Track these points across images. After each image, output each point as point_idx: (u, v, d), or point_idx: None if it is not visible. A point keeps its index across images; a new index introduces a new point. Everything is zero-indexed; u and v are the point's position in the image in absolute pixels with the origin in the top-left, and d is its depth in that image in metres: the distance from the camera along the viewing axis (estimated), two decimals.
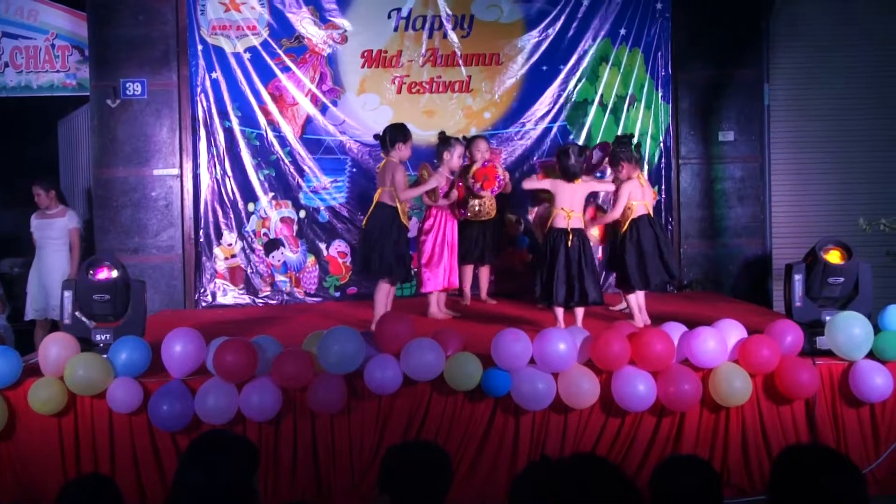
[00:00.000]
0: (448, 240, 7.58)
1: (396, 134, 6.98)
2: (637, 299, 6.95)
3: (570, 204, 6.51)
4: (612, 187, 6.99)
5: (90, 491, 3.01)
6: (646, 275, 6.87)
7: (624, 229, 6.92)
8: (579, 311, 6.53)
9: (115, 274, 5.60)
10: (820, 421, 5.49)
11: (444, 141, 7.63)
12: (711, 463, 4.94)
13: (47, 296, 8.21)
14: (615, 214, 6.92)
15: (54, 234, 8.40)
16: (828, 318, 5.66)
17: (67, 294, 5.50)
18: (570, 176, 6.59)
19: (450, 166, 7.54)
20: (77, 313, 5.53)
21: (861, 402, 5.50)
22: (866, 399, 5.45)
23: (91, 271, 5.58)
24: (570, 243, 6.41)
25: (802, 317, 5.72)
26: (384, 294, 6.88)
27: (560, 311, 6.52)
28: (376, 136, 7.19)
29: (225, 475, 2.79)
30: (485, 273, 8.16)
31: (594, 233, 7.02)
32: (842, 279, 5.72)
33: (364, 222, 7.08)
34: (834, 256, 5.76)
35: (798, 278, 5.78)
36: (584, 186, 6.69)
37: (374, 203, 6.99)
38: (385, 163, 6.98)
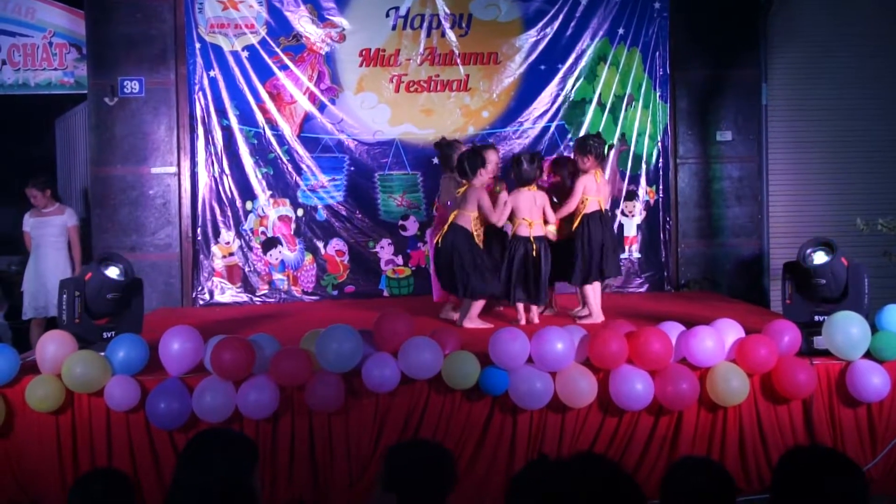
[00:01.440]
0: None
1: (476, 161, 6.87)
2: (593, 293, 7.12)
3: (529, 214, 6.84)
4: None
5: (104, 484, 3.01)
6: (588, 270, 7.07)
7: (576, 224, 7.09)
8: (535, 309, 6.99)
9: (126, 272, 5.66)
10: (817, 420, 5.49)
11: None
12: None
13: (47, 294, 8.19)
14: (570, 207, 7.09)
15: (53, 231, 8.38)
16: (818, 318, 5.67)
17: (77, 294, 5.48)
18: (523, 182, 6.86)
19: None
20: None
21: (858, 402, 5.50)
22: (863, 399, 5.45)
23: (105, 269, 5.60)
24: (534, 252, 6.77)
25: (793, 316, 5.74)
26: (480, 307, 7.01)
27: (521, 307, 6.94)
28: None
29: (224, 473, 2.78)
30: None
31: (551, 229, 7.08)
32: (824, 280, 5.73)
33: (439, 241, 6.99)
34: (819, 256, 5.76)
35: (788, 277, 5.83)
36: (541, 197, 6.93)
37: (449, 223, 6.93)
38: (467, 188, 6.89)
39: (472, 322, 6.91)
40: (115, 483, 3.03)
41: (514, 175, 6.93)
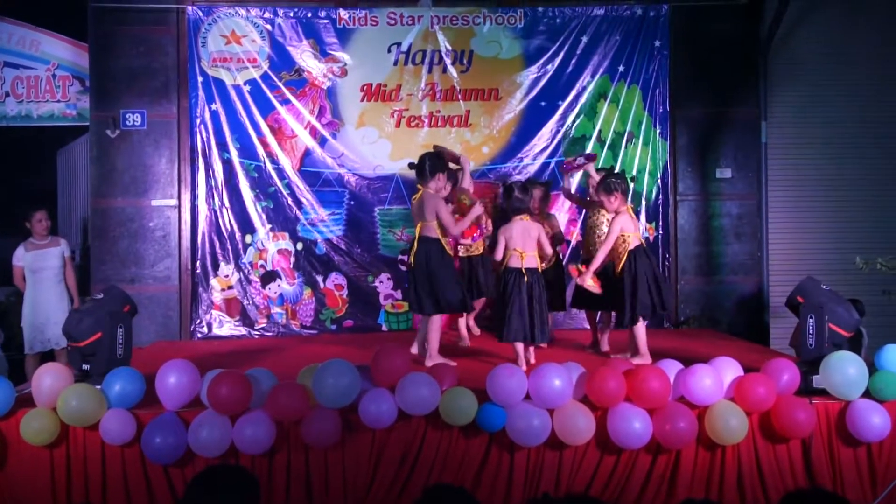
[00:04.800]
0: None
1: (437, 163, 6.71)
2: (642, 333, 6.81)
3: (522, 245, 6.53)
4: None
5: None
6: (641, 304, 6.72)
7: (622, 263, 6.75)
8: (531, 349, 6.64)
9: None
10: (816, 460, 5.45)
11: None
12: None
13: (55, 327, 8.13)
14: (607, 248, 6.74)
15: (55, 263, 8.30)
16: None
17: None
18: (516, 211, 6.60)
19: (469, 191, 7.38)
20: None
21: (858, 442, 5.47)
22: (863, 439, 5.42)
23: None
24: (527, 281, 6.48)
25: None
26: (438, 326, 6.75)
27: (521, 347, 6.55)
28: (411, 165, 6.92)
29: None
30: (478, 303, 8.02)
31: (589, 283, 6.85)
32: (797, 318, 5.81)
33: (410, 259, 6.76)
34: None
35: None
36: (534, 227, 6.64)
37: (416, 237, 6.69)
38: (422, 194, 6.69)
39: (434, 359, 6.60)
40: None
41: (505, 205, 6.74)
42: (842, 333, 5.66)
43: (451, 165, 7.35)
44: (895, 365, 5.57)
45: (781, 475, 5.43)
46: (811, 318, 5.65)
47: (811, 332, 5.66)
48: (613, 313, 7.21)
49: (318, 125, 8.95)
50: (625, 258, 6.75)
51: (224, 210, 8.86)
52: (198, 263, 8.85)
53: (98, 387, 5.26)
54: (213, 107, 8.86)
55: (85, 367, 5.48)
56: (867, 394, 5.49)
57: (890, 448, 5.50)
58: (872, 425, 5.37)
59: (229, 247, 8.87)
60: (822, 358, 5.53)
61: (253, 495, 2.91)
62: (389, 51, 9.01)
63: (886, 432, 5.41)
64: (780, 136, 9.41)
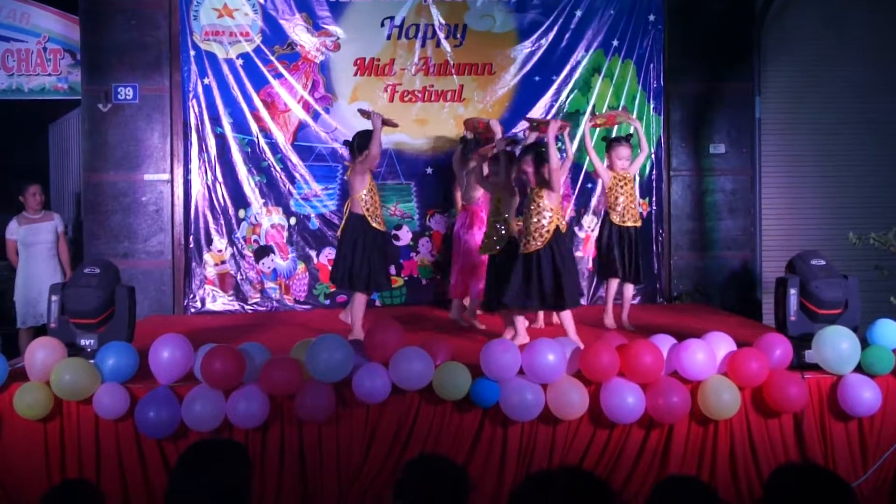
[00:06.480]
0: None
1: (365, 141, 6.72)
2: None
3: (514, 211, 6.59)
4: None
5: (74, 496, 2.99)
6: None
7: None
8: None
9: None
10: (808, 435, 5.48)
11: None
12: (700, 477, 4.96)
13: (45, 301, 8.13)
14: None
15: (49, 237, 8.35)
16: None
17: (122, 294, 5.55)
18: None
19: None
20: None
21: (849, 417, 5.49)
22: (855, 413, 5.45)
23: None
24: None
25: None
26: (361, 305, 6.80)
27: (521, 320, 6.53)
28: (346, 142, 7.05)
29: (220, 481, 2.78)
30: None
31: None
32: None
33: (338, 232, 7.01)
34: None
35: None
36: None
37: (345, 213, 6.95)
38: (352, 169, 6.81)
39: (356, 334, 6.57)
40: (85, 496, 3.00)
41: (533, 171, 6.40)
42: (815, 310, 5.67)
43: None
44: (887, 340, 5.60)
45: (773, 449, 5.46)
46: (780, 292, 5.80)
47: (780, 305, 5.80)
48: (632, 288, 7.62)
49: (311, 99, 8.91)
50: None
51: (217, 185, 8.83)
52: (191, 238, 8.83)
53: (91, 361, 5.26)
54: (206, 81, 8.81)
55: (84, 341, 5.46)
56: (859, 368, 5.52)
57: (881, 423, 5.53)
58: (864, 400, 5.39)
59: (222, 221, 8.85)
60: (810, 333, 5.58)
61: (244, 467, 2.92)
62: (383, 25, 8.95)
63: (877, 407, 5.43)
64: (775, 111, 9.39)
